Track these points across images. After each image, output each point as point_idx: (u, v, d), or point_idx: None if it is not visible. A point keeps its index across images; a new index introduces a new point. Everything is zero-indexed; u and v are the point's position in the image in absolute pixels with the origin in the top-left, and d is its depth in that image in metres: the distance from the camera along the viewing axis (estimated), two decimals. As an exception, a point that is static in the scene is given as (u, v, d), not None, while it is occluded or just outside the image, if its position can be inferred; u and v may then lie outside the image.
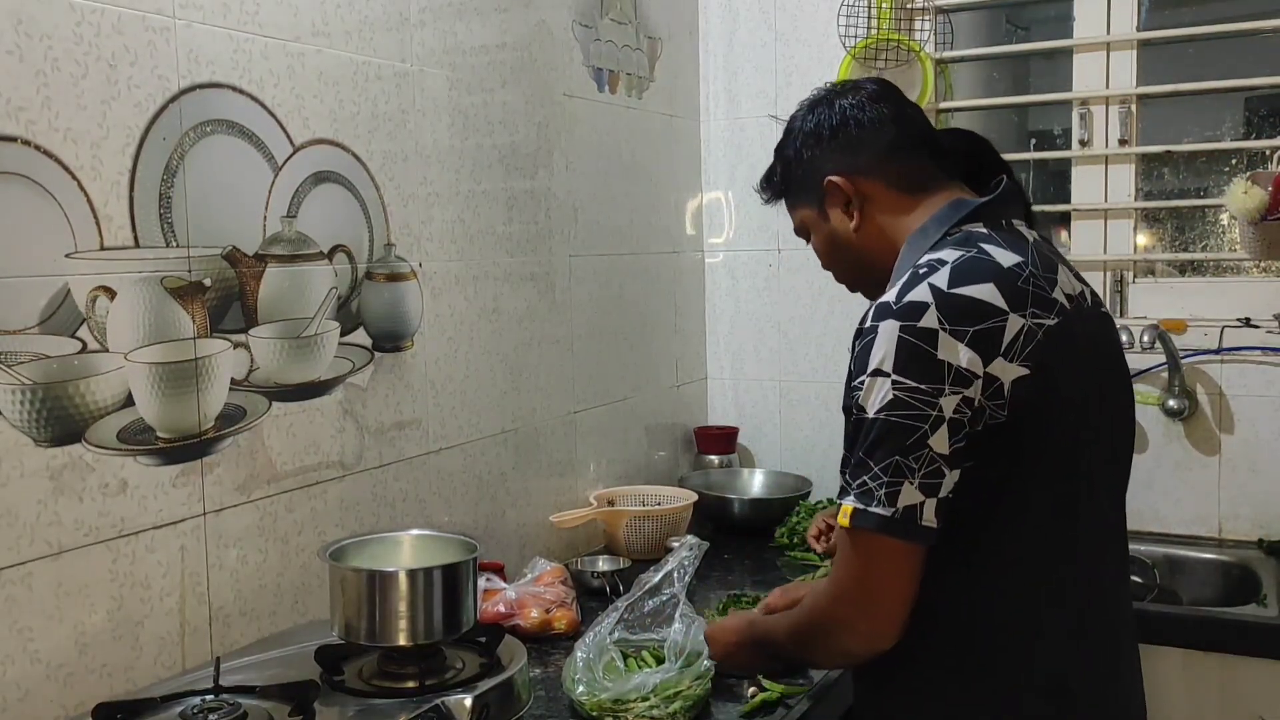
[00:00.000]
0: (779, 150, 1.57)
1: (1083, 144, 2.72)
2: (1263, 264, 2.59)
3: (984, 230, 1.38)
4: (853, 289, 1.59)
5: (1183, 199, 2.75)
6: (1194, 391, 2.58)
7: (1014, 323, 1.27)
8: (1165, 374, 2.56)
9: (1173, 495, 2.60)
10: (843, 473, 1.31)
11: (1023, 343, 1.27)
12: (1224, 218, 2.68)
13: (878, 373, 1.27)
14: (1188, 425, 2.59)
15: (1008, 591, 1.33)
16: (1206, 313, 2.60)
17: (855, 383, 1.30)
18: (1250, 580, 2.40)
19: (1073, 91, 2.73)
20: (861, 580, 1.30)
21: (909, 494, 1.24)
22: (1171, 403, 2.55)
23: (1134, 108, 2.67)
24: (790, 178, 1.55)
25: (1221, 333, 2.56)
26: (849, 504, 1.27)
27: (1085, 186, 2.74)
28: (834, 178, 1.47)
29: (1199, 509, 2.60)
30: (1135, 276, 2.71)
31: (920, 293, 1.28)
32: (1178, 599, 2.53)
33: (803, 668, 1.76)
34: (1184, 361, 2.55)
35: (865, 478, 1.26)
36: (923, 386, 1.24)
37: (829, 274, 1.60)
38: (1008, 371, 1.25)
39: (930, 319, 1.26)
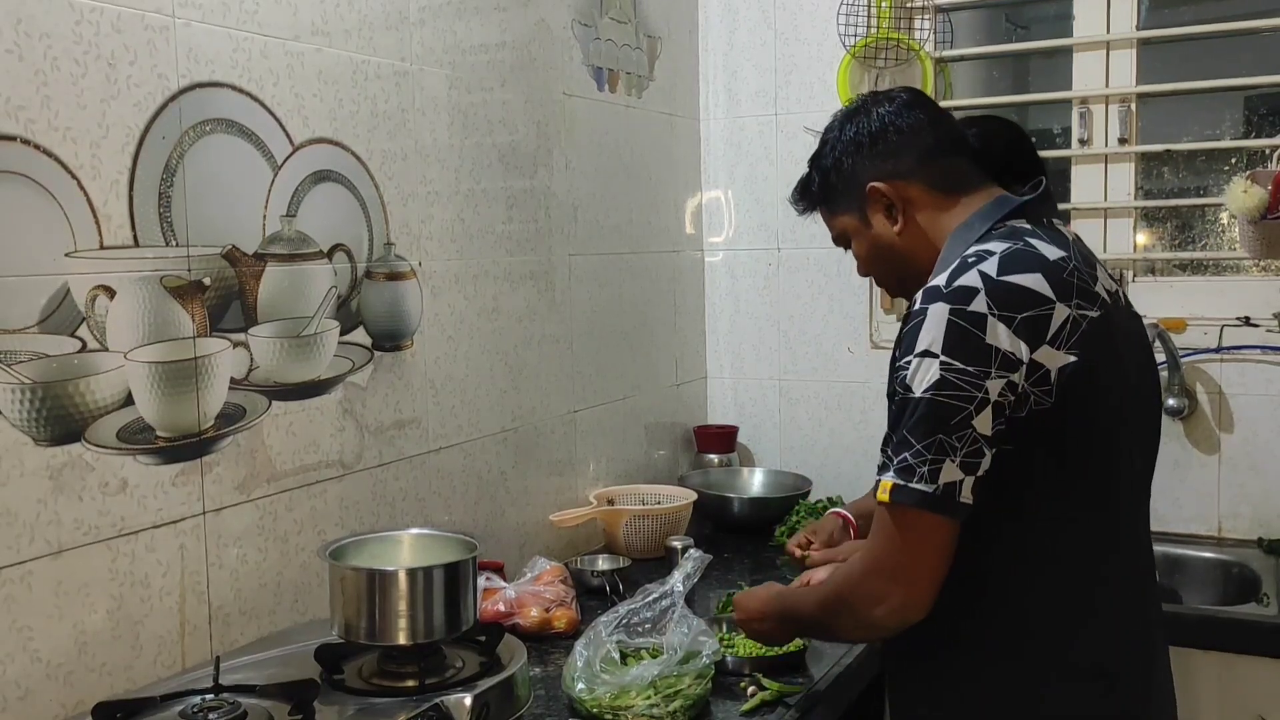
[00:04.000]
0: (815, 161, 1.60)
1: (1082, 143, 2.72)
2: (1262, 263, 2.58)
3: (1028, 226, 1.42)
4: (894, 293, 1.62)
5: (1182, 198, 2.75)
6: (1193, 390, 2.58)
7: (1060, 311, 1.31)
8: (1165, 373, 2.55)
9: (1172, 494, 2.60)
10: (884, 450, 1.34)
11: (1069, 331, 1.31)
12: (1224, 216, 2.68)
13: (926, 354, 1.29)
14: (1187, 424, 2.59)
15: (1053, 574, 1.36)
16: (1206, 311, 2.59)
17: (901, 363, 1.33)
18: (1250, 579, 2.40)
19: (1072, 90, 2.73)
20: (899, 554, 1.32)
21: (950, 471, 1.27)
22: (1171, 401, 2.54)
23: (1134, 106, 2.67)
24: (829, 187, 1.58)
25: (1221, 331, 2.56)
26: (889, 480, 1.30)
27: (1085, 185, 2.74)
28: (876, 183, 1.50)
29: (1198, 508, 2.60)
30: (1135, 275, 2.71)
31: (970, 278, 1.32)
32: (1177, 598, 2.52)
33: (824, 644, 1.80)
34: (1183, 360, 2.55)
35: (907, 454, 1.29)
36: (970, 369, 1.27)
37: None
38: (1055, 359, 1.29)
39: (980, 304, 1.29)
